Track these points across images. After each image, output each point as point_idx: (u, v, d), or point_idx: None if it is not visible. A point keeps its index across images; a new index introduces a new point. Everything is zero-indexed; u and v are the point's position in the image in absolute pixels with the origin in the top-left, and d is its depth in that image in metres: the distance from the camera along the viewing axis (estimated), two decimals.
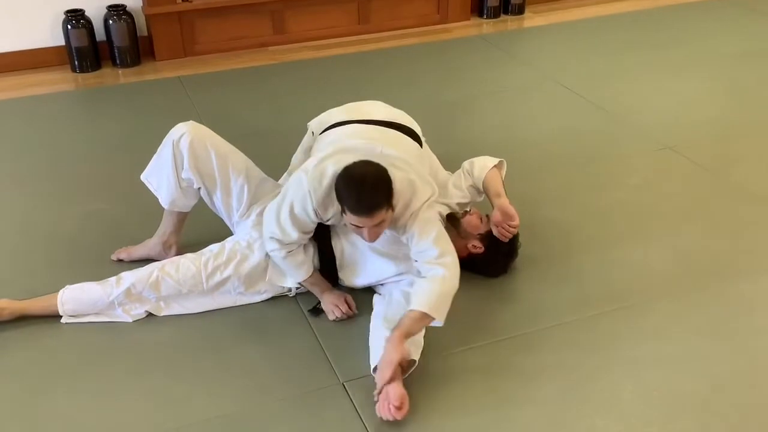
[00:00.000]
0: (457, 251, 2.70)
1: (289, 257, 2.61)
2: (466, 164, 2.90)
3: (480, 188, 2.85)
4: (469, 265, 2.75)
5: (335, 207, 2.48)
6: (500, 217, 2.70)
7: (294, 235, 2.55)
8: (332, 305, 2.67)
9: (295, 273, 2.67)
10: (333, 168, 2.44)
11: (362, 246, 2.67)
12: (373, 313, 2.60)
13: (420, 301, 2.37)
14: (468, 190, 2.87)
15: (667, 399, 2.33)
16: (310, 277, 2.68)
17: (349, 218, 2.38)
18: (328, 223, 2.59)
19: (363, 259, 2.70)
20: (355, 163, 2.40)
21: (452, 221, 2.79)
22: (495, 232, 2.73)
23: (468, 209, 2.85)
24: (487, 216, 2.77)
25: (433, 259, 2.43)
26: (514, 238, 2.78)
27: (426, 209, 2.50)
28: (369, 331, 2.52)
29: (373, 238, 2.44)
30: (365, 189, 2.34)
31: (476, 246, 2.77)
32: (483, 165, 2.85)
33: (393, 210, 2.42)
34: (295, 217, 2.52)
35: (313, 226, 2.58)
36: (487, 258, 2.78)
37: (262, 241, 2.66)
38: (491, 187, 2.81)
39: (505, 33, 5.47)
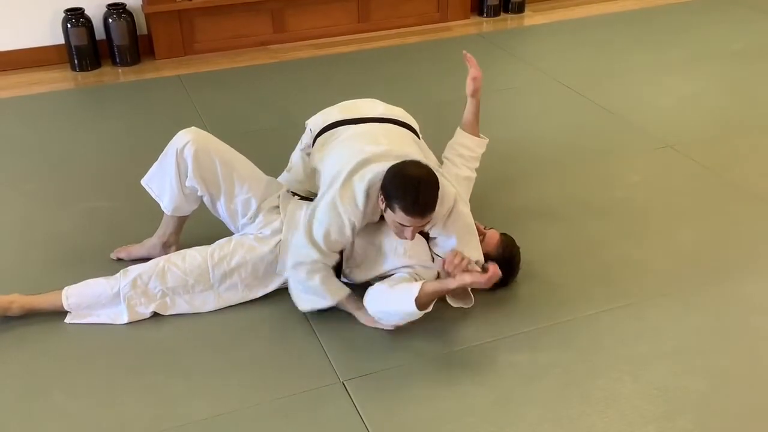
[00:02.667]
0: None
1: (328, 281, 2.57)
2: (445, 153, 2.97)
3: (466, 139, 2.93)
4: None
5: (375, 216, 2.52)
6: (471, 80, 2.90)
7: (330, 257, 2.56)
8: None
9: (334, 295, 2.58)
10: (361, 184, 2.48)
11: (377, 242, 2.65)
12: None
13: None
14: (462, 165, 2.91)
15: (666, 397, 2.33)
16: (349, 296, 2.63)
17: (399, 218, 2.39)
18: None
19: (374, 255, 2.67)
20: (405, 164, 2.44)
21: None
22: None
23: None
24: (483, 236, 2.73)
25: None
26: (514, 261, 2.77)
27: (460, 203, 2.57)
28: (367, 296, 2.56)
29: (414, 237, 2.46)
30: (422, 191, 2.38)
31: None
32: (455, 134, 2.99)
33: None
34: (331, 242, 2.53)
35: (346, 245, 2.59)
36: None
37: (271, 238, 2.69)
38: (463, 118, 2.95)
39: (505, 31, 5.47)
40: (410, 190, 2.37)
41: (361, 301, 2.58)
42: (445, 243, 2.61)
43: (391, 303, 2.49)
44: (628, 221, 3.19)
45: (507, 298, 2.75)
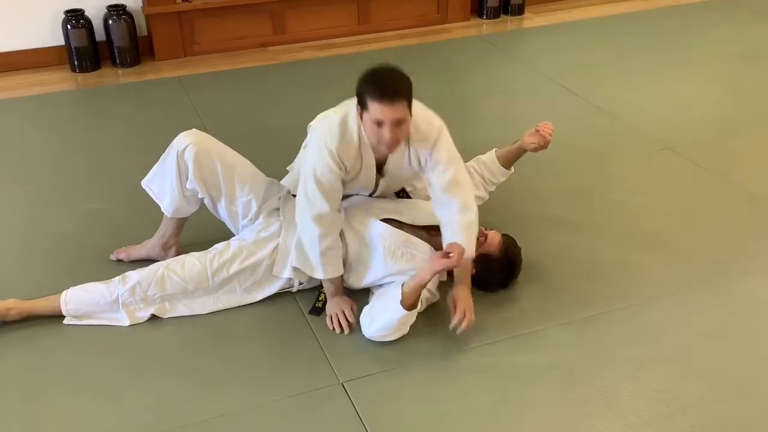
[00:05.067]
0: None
1: (330, 253, 2.58)
2: (470, 163, 2.97)
3: (494, 166, 2.95)
4: None
5: (354, 149, 2.50)
6: (534, 137, 2.88)
7: (326, 206, 2.52)
8: (337, 311, 2.63)
9: (330, 269, 2.60)
10: (337, 115, 2.51)
11: (371, 242, 2.66)
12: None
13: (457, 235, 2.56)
14: (480, 184, 2.94)
15: (665, 399, 2.33)
16: (336, 277, 2.65)
17: (372, 111, 2.36)
18: (350, 181, 2.59)
19: (370, 257, 2.68)
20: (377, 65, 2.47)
21: None
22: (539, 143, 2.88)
23: None
24: (485, 237, 2.71)
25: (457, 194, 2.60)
26: (515, 262, 2.77)
27: (444, 131, 2.56)
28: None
29: (393, 139, 2.40)
30: (390, 77, 2.41)
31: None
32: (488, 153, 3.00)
33: (411, 116, 2.44)
34: (321, 184, 2.51)
35: (340, 187, 2.55)
36: (479, 279, 2.74)
37: (269, 241, 2.69)
38: (505, 149, 2.95)
39: (505, 33, 5.47)
40: (379, 77, 2.40)
41: (342, 288, 2.70)
42: (441, 178, 2.56)
43: (382, 317, 2.50)
44: (628, 223, 3.20)
45: (507, 299, 2.76)
